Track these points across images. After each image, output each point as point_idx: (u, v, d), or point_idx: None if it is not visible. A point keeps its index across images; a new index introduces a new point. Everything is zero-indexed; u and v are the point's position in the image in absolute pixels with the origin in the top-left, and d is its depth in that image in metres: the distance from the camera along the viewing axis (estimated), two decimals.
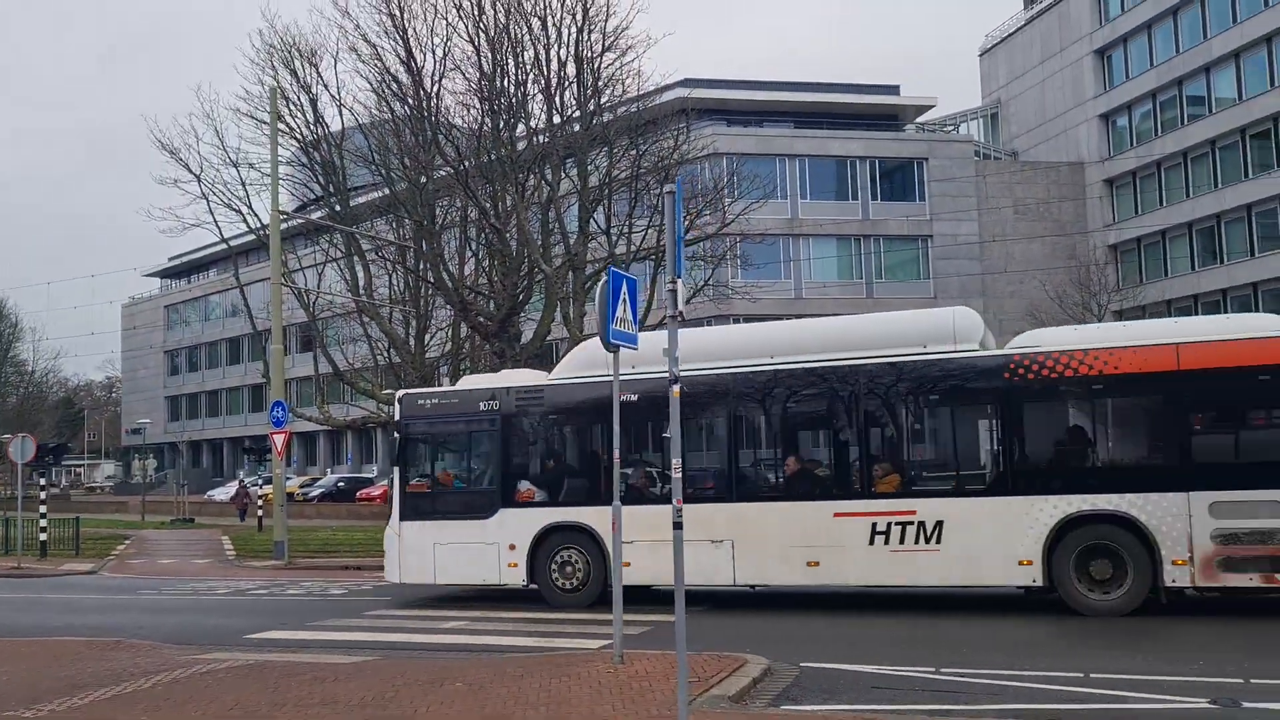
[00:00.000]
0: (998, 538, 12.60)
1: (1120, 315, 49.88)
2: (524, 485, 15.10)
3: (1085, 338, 13.28)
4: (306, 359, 47.92)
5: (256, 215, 31.81)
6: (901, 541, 12.86)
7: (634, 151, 29.01)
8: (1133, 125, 54.30)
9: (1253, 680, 8.75)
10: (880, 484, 13.33)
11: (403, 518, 15.41)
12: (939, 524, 12.79)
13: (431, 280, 29.99)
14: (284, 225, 29.26)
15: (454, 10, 27.89)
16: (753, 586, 14.23)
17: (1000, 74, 63.24)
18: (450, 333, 32.40)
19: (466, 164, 28.14)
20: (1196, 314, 49.91)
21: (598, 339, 17.21)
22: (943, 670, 9.50)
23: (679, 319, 7.45)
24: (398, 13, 28.04)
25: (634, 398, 13.97)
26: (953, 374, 13.23)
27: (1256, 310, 46.70)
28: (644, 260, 30.37)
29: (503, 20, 27.70)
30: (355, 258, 31.76)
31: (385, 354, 32.83)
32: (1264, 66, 46.22)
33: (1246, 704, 7.98)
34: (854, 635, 11.92)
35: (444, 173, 29.50)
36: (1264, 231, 46.52)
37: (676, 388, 7.45)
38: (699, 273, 32.04)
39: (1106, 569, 12.22)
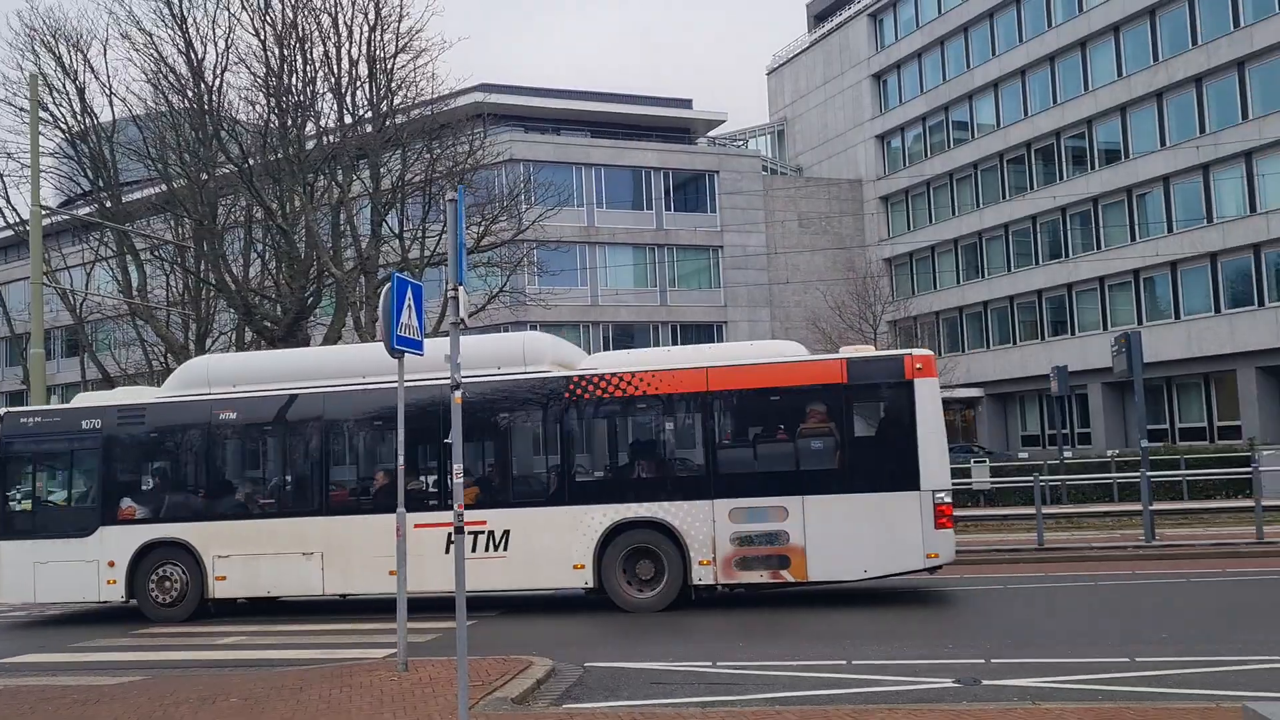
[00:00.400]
0: (556, 544, 13.70)
1: (894, 325, 53.05)
2: (125, 503, 15.20)
3: (635, 361, 14.77)
4: (74, 364, 44.80)
5: (15, 210, 29.64)
6: (474, 550, 13.64)
7: (428, 155, 28.72)
8: (905, 146, 57.84)
9: (993, 660, 9.59)
10: None
11: (2, 537, 15.23)
12: (506, 533, 13.75)
13: (213, 282, 28.75)
14: (47, 221, 27.32)
15: (237, 1, 26.91)
16: (343, 595, 14.79)
17: (786, 93, 66.04)
18: (233, 337, 31.12)
19: (251, 162, 27.14)
20: (962, 324, 53.69)
21: (201, 359, 17.62)
22: (719, 664, 9.94)
23: (461, 326, 7.53)
24: (175, 0, 26.78)
25: (234, 416, 14.80)
26: (520, 393, 14.19)
27: (1011, 321, 50.68)
28: (439, 265, 30.06)
29: (290, 15, 26.90)
30: (128, 257, 30.04)
31: (162, 359, 31.20)
32: (1018, 97, 50.24)
33: (986, 681, 8.76)
34: (639, 634, 12.26)
35: (227, 170, 28.33)
36: (1019, 249, 50.48)
37: (459, 394, 7.52)
38: (494, 279, 32.02)
39: (649, 569, 13.50)
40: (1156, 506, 20.26)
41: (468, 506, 13.69)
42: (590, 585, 13.56)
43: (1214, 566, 16.28)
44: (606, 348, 50.45)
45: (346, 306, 27.59)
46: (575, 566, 13.50)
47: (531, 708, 8.44)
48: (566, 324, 50.65)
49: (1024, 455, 41.70)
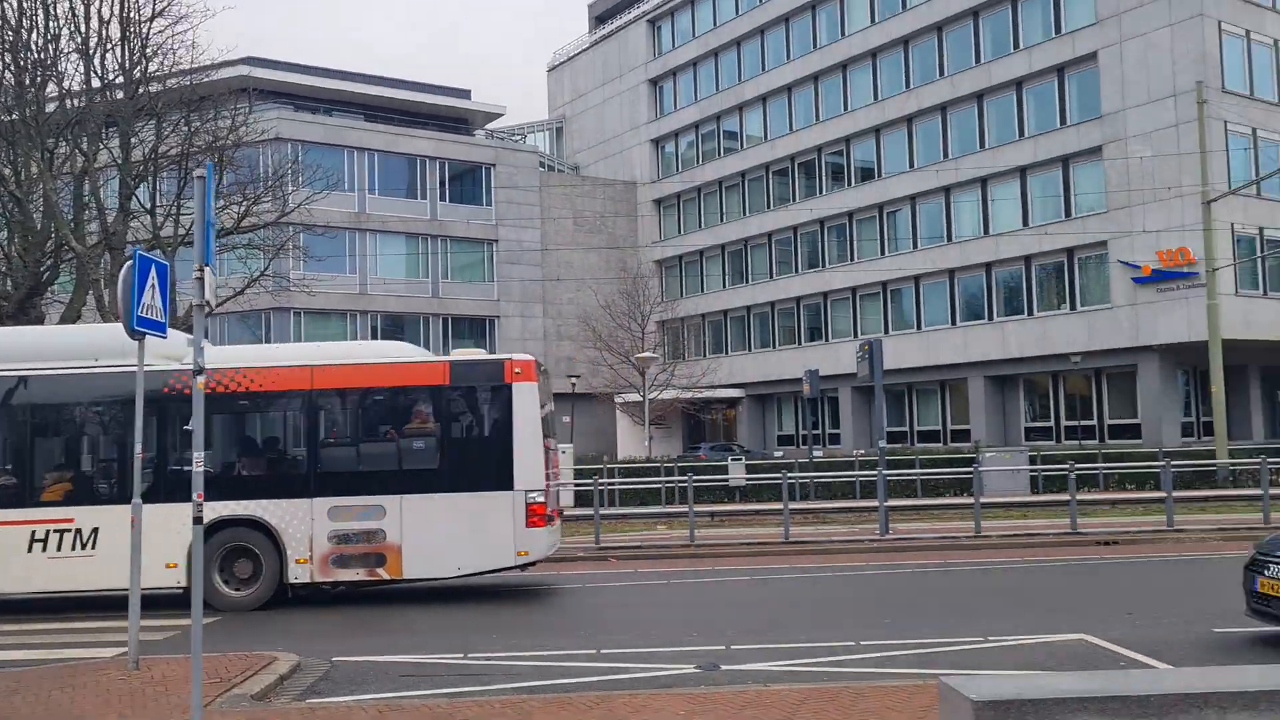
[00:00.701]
0: (149, 543, 12.96)
1: (662, 325, 54.53)
2: None
3: (241, 357, 14.87)
4: None
5: None
6: (59, 548, 13.34)
7: (186, 127, 27.18)
8: (679, 152, 59.52)
9: (734, 646, 10.09)
10: (46, 493, 13.73)
11: None
12: (95, 530, 13.42)
13: None
14: None
15: None
16: None
17: (566, 91, 66.57)
18: None
19: None
20: (726, 327, 55.78)
21: None
22: (471, 655, 9.98)
23: (206, 309, 7.24)
24: None
25: None
26: (116, 387, 13.66)
27: (771, 326, 53.08)
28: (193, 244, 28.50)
29: None
30: None
31: None
32: (785, 112, 52.71)
33: (725, 666, 9.22)
34: (392, 627, 12.13)
35: None
36: (781, 257, 52.97)
37: (201, 379, 7.23)
38: (256, 262, 30.69)
39: (248, 568, 13.59)
40: (891, 503, 21.80)
41: (53, 504, 13.25)
42: (184, 584, 13.20)
43: (938, 558, 17.71)
44: (375, 338, 49.32)
45: (88, 284, 25.71)
46: (168, 565, 13.03)
47: (273, 704, 8.21)
48: (333, 312, 49.22)
49: (779, 454, 43.83)
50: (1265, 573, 9.51)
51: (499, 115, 60.43)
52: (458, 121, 58.16)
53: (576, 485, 28.06)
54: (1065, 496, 21.10)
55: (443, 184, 53.76)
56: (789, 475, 23.04)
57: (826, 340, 49.51)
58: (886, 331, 45.58)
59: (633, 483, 29.76)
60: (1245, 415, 38.98)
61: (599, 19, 66.20)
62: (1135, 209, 37.12)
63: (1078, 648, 9.66)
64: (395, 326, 51.54)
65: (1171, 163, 35.64)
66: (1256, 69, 38.10)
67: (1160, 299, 36.72)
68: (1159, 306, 36.75)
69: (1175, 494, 21.71)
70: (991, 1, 42.96)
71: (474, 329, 54.14)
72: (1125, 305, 37.82)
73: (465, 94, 59.18)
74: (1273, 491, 21.07)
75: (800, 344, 51.04)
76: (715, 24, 56.48)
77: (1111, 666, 8.72)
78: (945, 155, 44.55)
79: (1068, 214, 40.29)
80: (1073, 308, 40.10)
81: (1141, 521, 21.65)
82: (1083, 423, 39.64)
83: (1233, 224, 35.64)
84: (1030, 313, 41.52)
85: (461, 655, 9.96)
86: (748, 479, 29.86)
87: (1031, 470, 29.61)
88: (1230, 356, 32.59)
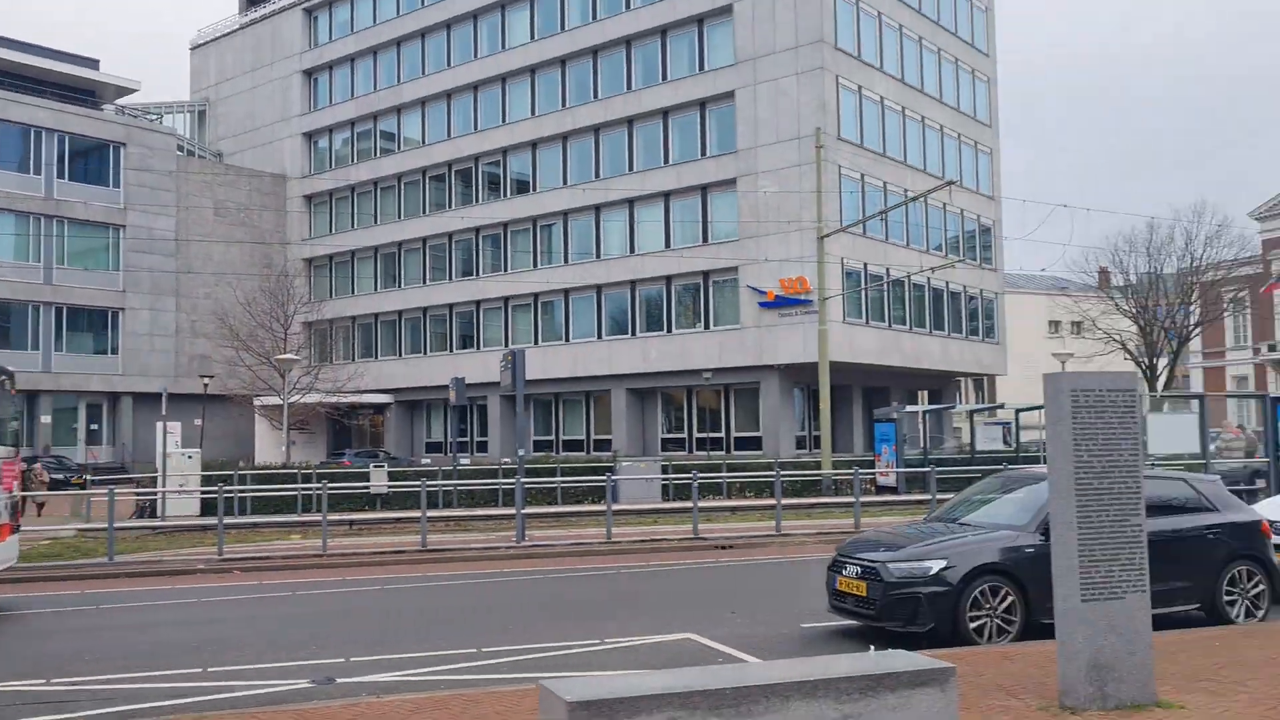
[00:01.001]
0: None
1: (309, 326, 52.44)
2: None
3: None
4: None
5: None
6: None
7: None
8: (333, 148, 57.56)
9: (353, 659, 9.88)
10: None
11: None
12: None
13: None
14: None
15: None
16: None
17: (211, 73, 62.49)
18: None
19: None
20: (377, 331, 54.52)
21: None
22: (55, 681, 9.08)
23: None
24: None
25: None
26: None
27: (423, 332, 52.53)
28: None
29: None
30: None
31: None
32: (443, 118, 52.45)
33: (341, 679, 9.00)
34: None
35: None
36: (435, 263, 52.61)
37: None
38: None
39: None
40: (530, 510, 22.27)
41: None
42: None
43: (570, 564, 18.25)
44: None
45: None
46: None
47: None
48: None
49: (427, 461, 43.45)
50: (843, 572, 10.64)
51: (133, 90, 55.66)
52: (84, 93, 52.92)
53: (203, 493, 26.32)
54: (691, 504, 22.47)
55: (62, 159, 48.74)
56: (430, 483, 22.91)
57: (478, 348, 49.71)
58: (537, 342, 46.49)
59: (267, 490, 28.31)
60: (849, 430, 43.42)
61: (250, 0, 62.75)
62: (763, 239, 40.34)
63: (685, 646, 10.32)
64: None
65: (794, 199, 39.10)
66: (866, 121, 42.67)
67: (781, 322, 40.11)
68: (780, 329, 40.14)
69: (785, 501, 23.77)
70: (642, 33, 45.12)
71: (94, 320, 49.48)
72: (752, 327, 40.96)
73: (93, 63, 54.02)
74: (863, 499, 23.60)
75: (452, 351, 50.90)
76: (375, 21, 55.24)
77: (710, 662, 9.39)
78: (597, 175, 46.18)
79: (705, 239, 43.03)
80: (707, 327, 42.86)
81: (755, 527, 23.45)
82: (712, 434, 42.46)
83: (843, 258, 39.68)
84: (669, 330, 43.92)
85: (44, 682, 9.04)
86: (390, 486, 29.34)
87: (663, 479, 31.26)
88: (837, 377, 36.24)
